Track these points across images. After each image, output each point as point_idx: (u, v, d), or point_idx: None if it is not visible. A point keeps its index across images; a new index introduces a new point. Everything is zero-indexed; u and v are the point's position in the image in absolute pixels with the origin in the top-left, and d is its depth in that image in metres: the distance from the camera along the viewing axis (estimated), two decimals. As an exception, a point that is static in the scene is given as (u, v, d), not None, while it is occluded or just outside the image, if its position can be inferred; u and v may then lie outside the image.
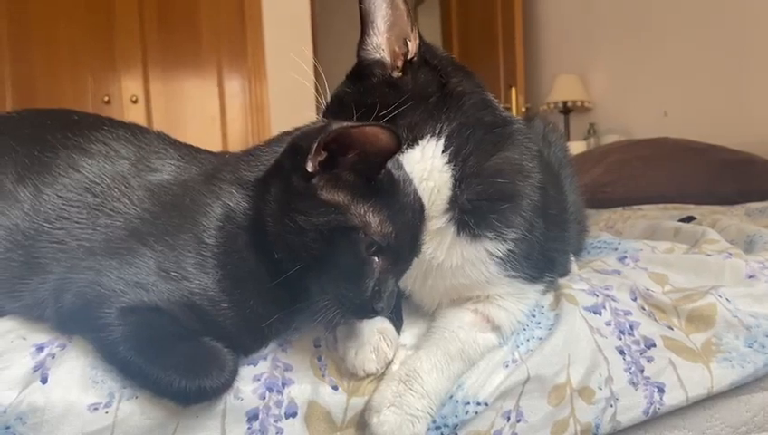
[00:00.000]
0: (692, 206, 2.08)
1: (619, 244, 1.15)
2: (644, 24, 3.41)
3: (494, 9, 4.10)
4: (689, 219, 1.47)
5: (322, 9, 4.32)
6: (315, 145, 0.65)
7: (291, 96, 3.61)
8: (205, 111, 3.73)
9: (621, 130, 3.51)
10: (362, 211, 0.67)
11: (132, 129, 0.80)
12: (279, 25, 3.70)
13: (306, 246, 0.66)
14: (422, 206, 0.74)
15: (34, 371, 0.67)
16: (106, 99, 3.55)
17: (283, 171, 0.69)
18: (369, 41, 0.81)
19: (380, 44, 0.81)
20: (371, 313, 0.68)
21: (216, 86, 3.76)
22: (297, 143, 0.68)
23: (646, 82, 3.44)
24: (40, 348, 0.69)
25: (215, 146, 3.70)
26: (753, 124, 2.69)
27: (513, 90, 4.01)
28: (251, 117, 3.74)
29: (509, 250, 0.79)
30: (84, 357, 0.68)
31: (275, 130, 3.07)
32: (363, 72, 0.82)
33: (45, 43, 3.47)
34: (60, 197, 0.72)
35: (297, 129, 0.75)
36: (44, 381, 0.66)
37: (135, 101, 3.60)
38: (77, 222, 0.71)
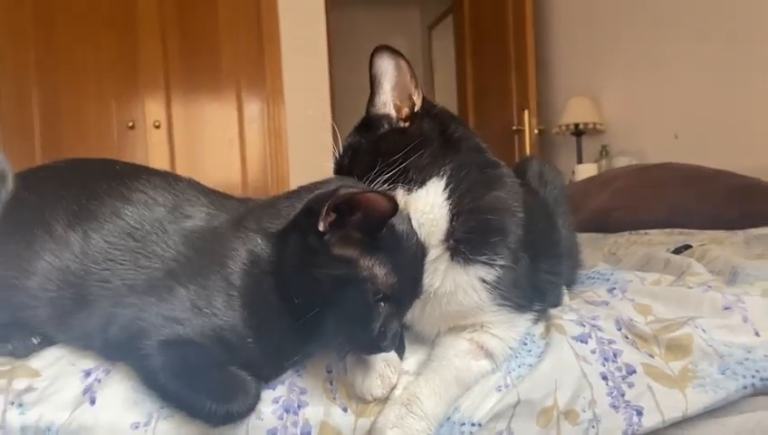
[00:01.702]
0: (696, 231, 2.14)
1: (611, 274, 1.23)
2: (656, 48, 3.47)
3: (507, 32, 4.19)
4: (685, 248, 1.54)
5: (338, 36, 4.45)
6: (325, 209, 0.75)
7: (307, 120, 3.75)
8: (224, 135, 3.84)
9: (633, 152, 3.56)
10: (369, 265, 0.77)
11: (167, 177, 0.91)
12: (296, 51, 3.83)
13: (322, 293, 0.77)
14: (424, 253, 0.84)
15: (84, 393, 0.77)
16: (130, 124, 3.68)
17: (300, 229, 0.79)
18: (377, 99, 0.93)
19: (387, 101, 0.94)
20: (378, 350, 0.79)
21: (236, 111, 3.88)
22: (311, 206, 0.79)
23: (657, 105, 3.50)
24: (87, 373, 0.80)
25: (234, 168, 3.83)
26: (764, 148, 2.74)
27: (526, 112, 4.08)
28: (269, 141, 3.85)
29: (497, 277, 0.88)
30: (126, 381, 0.79)
31: (293, 153, 3.18)
32: (372, 124, 0.95)
33: (72, 70, 3.62)
34: (105, 241, 0.83)
35: (313, 184, 0.86)
36: (93, 402, 0.76)
37: (158, 126, 3.73)
38: (120, 263, 0.82)
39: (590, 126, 3.94)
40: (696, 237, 1.92)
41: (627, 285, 1.14)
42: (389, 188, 0.86)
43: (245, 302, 0.80)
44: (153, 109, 3.74)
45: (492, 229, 0.89)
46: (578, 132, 3.99)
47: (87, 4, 3.62)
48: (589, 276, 1.26)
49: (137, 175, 0.90)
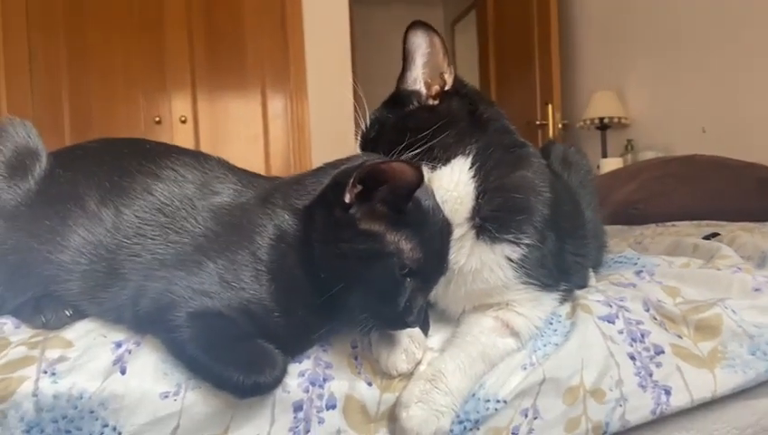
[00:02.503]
0: (725, 223, 2.10)
1: (639, 259, 1.22)
2: (681, 40, 3.42)
3: (530, 26, 4.16)
4: (713, 236, 1.52)
5: (361, 32, 4.46)
6: (351, 180, 0.75)
7: (331, 115, 3.77)
8: (249, 131, 3.88)
9: (659, 146, 3.52)
10: (396, 239, 0.77)
11: (197, 156, 0.92)
12: (320, 48, 3.85)
13: (348, 268, 0.77)
14: (449, 230, 0.84)
15: (114, 364, 0.78)
16: (157, 119, 3.73)
17: (327, 203, 0.80)
18: (408, 75, 0.94)
19: (418, 78, 0.94)
20: (404, 325, 0.79)
21: (260, 106, 3.91)
22: (338, 180, 0.80)
23: (684, 98, 3.45)
24: (118, 344, 0.81)
25: (258, 163, 3.87)
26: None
27: (550, 106, 4.05)
28: (292, 136, 3.88)
29: (523, 255, 0.88)
30: (156, 352, 0.80)
31: (315, 147, 3.21)
32: (401, 100, 0.95)
33: (101, 68, 3.67)
34: (136, 217, 0.84)
35: (338, 160, 0.86)
36: (123, 372, 0.77)
37: (184, 121, 3.77)
38: (151, 238, 0.83)
39: (615, 120, 3.90)
40: (725, 229, 1.89)
41: (654, 269, 1.13)
42: None
43: (273, 276, 0.80)
44: (179, 105, 3.79)
45: (518, 208, 0.89)
46: (602, 126, 3.95)
47: (117, 3, 3.68)
48: (616, 261, 1.25)
49: (167, 153, 0.91)
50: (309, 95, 3.83)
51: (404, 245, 0.77)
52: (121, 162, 0.90)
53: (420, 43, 0.92)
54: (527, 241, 0.88)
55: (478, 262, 0.88)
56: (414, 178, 0.74)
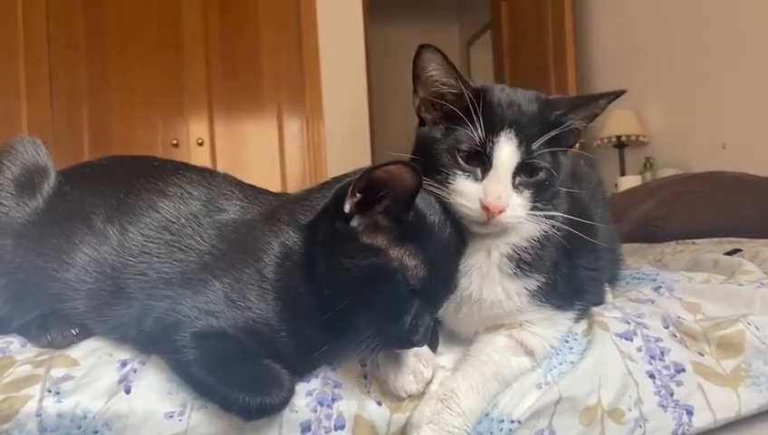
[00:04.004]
0: (747, 240, 2.06)
1: (657, 275, 1.19)
2: (698, 56, 3.39)
3: (546, 46, 4.15)
4: (734, 252, 1.48)
5: (377, 53, 4.48)
6: (350, 188, 0.74)
7: (347, 136, 3.78)
8: (265, 152, 3.90)
9: (678, 163, 3.46)
10: (399, 255, 0.75)
11: (204, 172, 0.92)
12: (336, 69, 3.88)
13: (351, 284, 0.75)
14: (458, 248, 0.82)
15: (119, 383, 0.77)
16: (174, 142, 3.76)
17: (329, 216, 0.78)
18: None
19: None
20: (410, 344, 0.77)
21: (276, 128, 3.93)
22: (339, 192, 0.78)
23: (703, 115, 3.40)
24: (123, 363, 0.80)
25: (274, 184, 3.89)
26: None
27: (566, 125, 4.02)
28: (308, 157, 3.89)
29: (538, 286, 0.87)
30: (162, 372, 0.78)
31: (331, 168, 3.22)
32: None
33: (120, 91, 3.73)
34: (142, 234, 0.84)
35: (345, 174, 0.85)
36: (128, 391, 0.76)
37: (201, 144, 3.80)
38: (157, 256, 0.83)
39: (633, 138, 3.85)
40: (746, 245, 1.84)
41: (674, 284, 1.09)
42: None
43: (279, 295, 0.79)
44: (196, 127, 3.82)
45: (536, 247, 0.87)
46: (620, 145, 3.91)
47: (136, 27, 3.74)
48: (633, 277, 1.22)
49: (174, 170, 0.91)
50: (325, 116, 3.85)
51: (408, 261, 0.75)
52: (129, 179, 0.90)
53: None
54: (545, 273, 0.87)
55: (500, 292, 0.86)
56: (413, 180, 0.72)
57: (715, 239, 2.15)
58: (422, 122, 0.89)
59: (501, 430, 0.81)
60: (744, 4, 3.04)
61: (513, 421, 0.82)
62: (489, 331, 0.89)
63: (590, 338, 0.91)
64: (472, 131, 0.81)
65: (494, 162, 0.80)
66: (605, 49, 4.24)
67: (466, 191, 0.80)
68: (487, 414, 0.82)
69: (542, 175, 0.83)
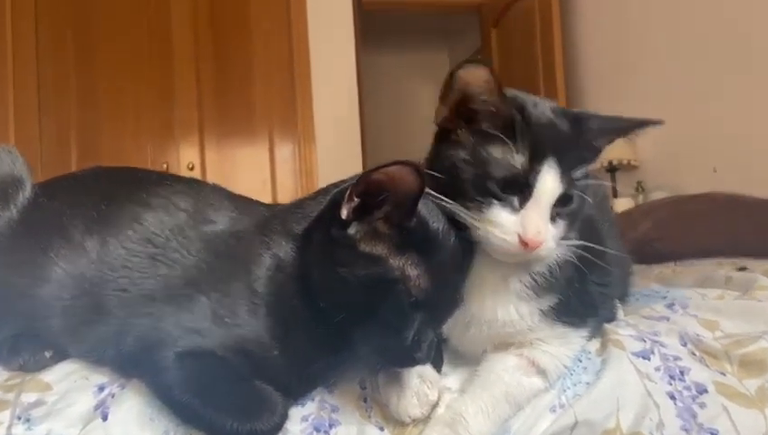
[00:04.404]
0: (748, 259, 2.02)
1: (668, 292, 1.13)
2: (688, 80, 3.39)
3: (536, 72, 4.15)
4: (741, 270, 1.44)
5: (369, 78, 4.48)
6: (347, 193, 0.68)
7: (339, 161, 3.74)
8: (256, 177, 3.84)
9: (670, 187, 3.44)
10: (400, 264, 0.69)
11: (191, 183, 0.86)
12: (327, 94, 3.85)
13: (348, 295, 0.69)
14: (463, 257, 0.76)
15: (96, 409, 0.71)
16: (165, 166, 3.71)
17: (324, 224, 0.73)
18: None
19: None
20: (412, 362, 0.70)
21: (268, 152, 3.89)
22: (335, 197, 0.73)
23: (693, 139, 3.39)
24: (101, 388, 0.73)
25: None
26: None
27: (558, 150, 4.00)
28: (300, 182, 3.83)
29: (550, 306, 0.81)
30: (142, 396, 0.72)
31: (323, 191, 3.10)
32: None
33: (110, 113, 3.67)
34: (123, 247, 0.78)
35: (342, 181, 0.79)
36: (105, 418, 0.69)
37: (191, 169, 3.74)
38: (139, 271, 0.76)
39: (625, 162, 3.84)
40: (753, 264, 1.80)
41: (687, 301, 1.04)
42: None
43: (270, 310, 0.73)
44: (187, 151, 3.77)
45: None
46: (612, 168, 3.89)
47: (127, 49, 3.70)
48: (643, 294, 1.17)
49: (159, 181, 0.86)
50: (317, 141, 3.81)
51: (410, 271, 0.69)
52: (110, 190, 0.84)
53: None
54: (560, 293, 0.82)
55: (513, 313, 0.80)
56: (415, 183, 0.66)
57: (715, 260, 2.12)
58: (442, 137, 0.81)
59: (513, 457, 0.75)
60: (735, 27, 3.05)
61: (526, 448, 0.75)
62: (497, 349, 0.83)
63: (604, 357, 0.85)
64: (512, 156, 0.73)
65: (536, 193, 0.73)
66: (594, 75, 4.25)
67: (503, 223, 0.73)
68: (498, 440, 0.76)
69: (575, 204, 0.77)
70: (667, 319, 0.96)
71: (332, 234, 0.70)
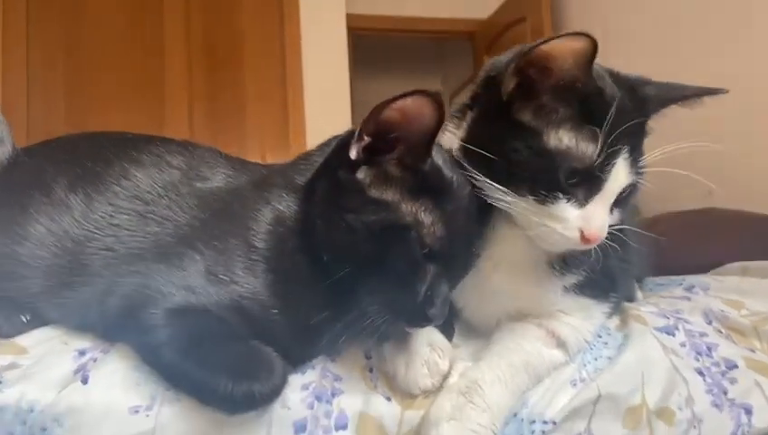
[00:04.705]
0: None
1: (684, 279, 1.08)
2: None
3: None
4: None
5: (362, 105, 4.47)
6: (357, 131, 0.63)
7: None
8: (249, 200, 3.79)
9: (665, 210, 3.42)
10: (413, 209, 0.64)
11: (184, 144, 0.81)
12: (320, 117, 3.81)
13: (355, 245, 0.63)
14: (478, 210, 0.70)
15: (75, 373, 0.64)
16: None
17: (330, 169, 0.67)
18: None
19: None
20: (423, 319, 0.64)
21: (261, 172, 3.84)
22: (343, 138, 0.67)
23: (688, 161, 3.37)
24: (82, 353, 0.67)
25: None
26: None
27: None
28: (294, 202, 3.79)
29: (574, 283, 0.76)
30: (127, 360, 0.65)
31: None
32: None
33: (100, 125, 3.62)
34: (110, 204, 0.72)
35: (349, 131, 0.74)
36: (85, 381, 0.63)
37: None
38: (127, 229, 0.70)
39: (619, 189, 3.81)
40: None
41: (707, 285, 0.99)
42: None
43: (270, 266, 0.67)
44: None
45: None
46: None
47: (117, 71, 3.66)
48: (657, 283, 1.11)
49: (150, 141, 0.80)
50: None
51: (423, 217, 0.63)
52: (98, 149, 0.79)
53: None
54: (585, 270, 0.76)
55: (535, 289, 0.75)
56: (434, 115, 0.60)
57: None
58: (490, 109, 0.71)
59: (532, 432, 0.68)
60: (721, 45, 3.06)
61: (545, 422, 0.69)
62: (514, 319, 0.77)
63: (626, 332, 0.80)
64: (586, 145, 0.65)
65: (606, 186, 0.66)
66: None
67: (566, 218, 0.65)
68: (515, 414, 0.69)
69: (634, 193, 0.71)
70: (689, 299, 0.91)
71: (340, 177, 0.64)
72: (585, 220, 0.65)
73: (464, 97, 0.76)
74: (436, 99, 0.60)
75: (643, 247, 1.05)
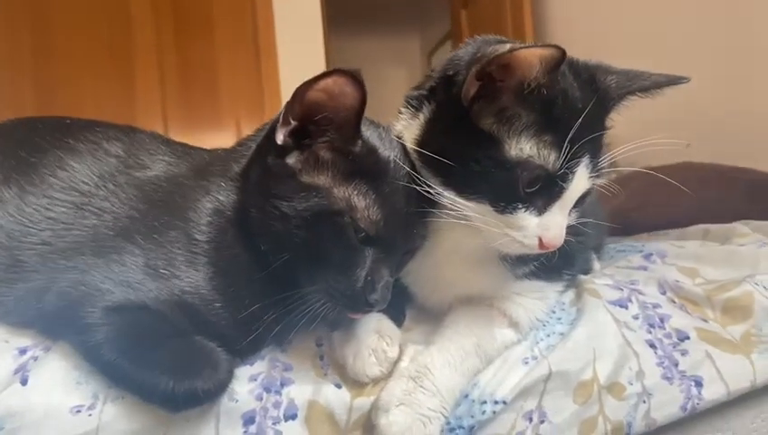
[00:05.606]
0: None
1: (644, 246, 1.08)
2: (660, 56, 3.36)
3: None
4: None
5: (337, 63, 4.39)
6: (281, 114, 0.61)
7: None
8: (225, 165, 3.75)
9: (643, 164, 3.42)
10: (346, 194, 0.62)
11: (124, 129, 0.78)
12: (295, 82, 3.72)
13: (290, 234, 0.62)
14: (416, 191, 0.67)
15: (15, 373, 0.62)
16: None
17: (262, 155, 0.65)
18: None
19: None
20: (365, 305, 0.63)
21: (235, 139, 3.78)
22: (273, 123, 0.65)
23: (666, 114, 3.37)
24: (23, 351, 0.65)
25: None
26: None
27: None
28: (269, 167, 3.75)
29: (528, 271, 0.75)
30: (69, 359, 0.64)
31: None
32: None
33: (68, 106, 3.53)
34: (46, 196, 0.70)
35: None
36: (24, 382, 0.61)
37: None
38: (63, 222, 0.68)
39: (598, 141, 3.81)
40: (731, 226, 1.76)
41: (665, 252, 0.99)
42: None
43: (211, 258, 0.65)
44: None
45: None
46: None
47: (84, 41, 3.56)
48: (618, 250, 1.11)
49: (88, 126, 0.77)
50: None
51: (357, 201, 0.62)
52: (33, 138, 0.75)
53: None
54: (538, 259, 0.75)
55: (487, 279, 0.75)
56: (356, 95, 0.58)
57: (690, 228, 2.08)
58: (447, 113, 0.67)
59: (483, 413, 0.69)
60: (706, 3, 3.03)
61: (496, 402, 0.69)
62: (467, 302, 0.76)
63: (579, 307, 0.80)
64: (548, 153, 0.62)
65: (566, 194, 0.64)
66: (567, 51, 4.20)
67: (525, 226, 0.63)
68: (467, 395, 0.69)
69: (593, 193, 0.70)
70: (645, 268, 0.91)
71: (269, 164, 0.62)
72: (544, 229, 0.63)
73: (422, 85, 0.73)
74: (355, 77, 0.58)
75: (600, 215, 1.05)
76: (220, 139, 3.69)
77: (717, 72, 2.94)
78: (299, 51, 3.78)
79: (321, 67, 3.77)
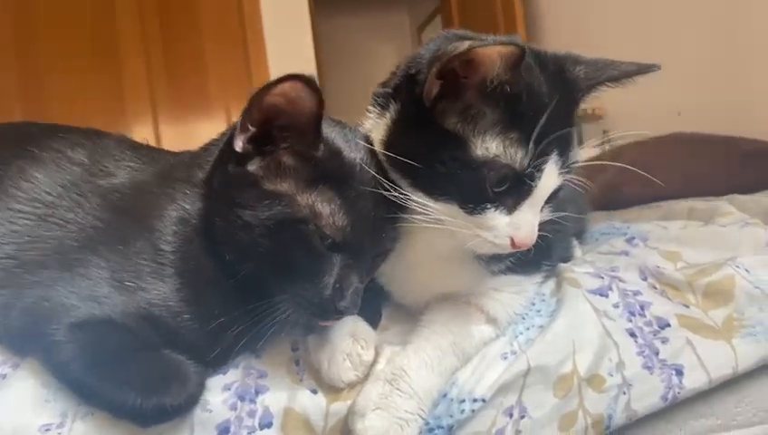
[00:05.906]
0: (713, 198, 1.98)
1: (628, 228, 1.07)
2: (651, 23, 3.32)
3: (497, 28, 4.04)
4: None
5: (327, 43, 4.35)
6: (240, 120, 0.59)
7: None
8: (215, 152, 3.72)
9: (635, 136, 3.41)
10: (310, 201, 0.61)
11: (89, 134, 0.77)
12: (283, 62, 3.68)
13: (255, 243, 0.61)
14: (383, 194, 0.65)
15: (-17, 393, 0.62)
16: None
17: (224, 162, 0.64)
18: None
19: None
20: (334, 313, 0.62)
21: (226, 124, 3.72)
22: (233, 129, 0.63)
23: (657, 83, 3.33)
24: (-9, 370, 0.64)
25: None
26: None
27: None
28: (259, 153, 3.73)
29: (503, 267, 0.74)
30: (38, 375, 0.63)
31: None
32: None
33: (55, 97, 3.49)
34: (9, 209, 0.68)
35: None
36: (-8, 403, 0.60)
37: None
38: (28, 235, 0.67)
39: (589, 112, 3.77)
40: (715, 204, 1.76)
41: (647, 235, 0.98)
42: None
43: (178, 269, 0.64)
44: (141, 129, 3.61)
45: None
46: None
47: (67, 30, 3.51)
48: (602, 232, 1.10)
49: (52, 133, 0.76)
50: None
51: (321, 208, 0.61)
52: None
53: None
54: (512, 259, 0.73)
55: (464, 278, 0.73)
56: (311, 100, 0.57)
57: (681, 200, 2.07)
58: (410, 112, 0.65)
59: (462, 411, 0.68)
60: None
61: (475, 400, 0.68)
62: (443, 298, 0.75)
63: (559, 297, 0.79)
64: (515, 151, 0.60)
65: (535, 192, 0.63)
66: (556, 26, 4.15)
67: (495, 226, 0.62)
68: (445, 394, 0.69)
69: (564, 189, 0.68)
70: (627, 253, 0.90)
71: (230, 171, 0.61)
72: (515, 228, 0.62)
73: (387, 83, 0.71)
74: (309, 83, 0.57)
75: (580, 201, 1.03)
76: (211, 127, 3.64)
77: (705, 61, 2.91)
78: (286, 35, 3.74)
79: (309, 50, 3.74)
